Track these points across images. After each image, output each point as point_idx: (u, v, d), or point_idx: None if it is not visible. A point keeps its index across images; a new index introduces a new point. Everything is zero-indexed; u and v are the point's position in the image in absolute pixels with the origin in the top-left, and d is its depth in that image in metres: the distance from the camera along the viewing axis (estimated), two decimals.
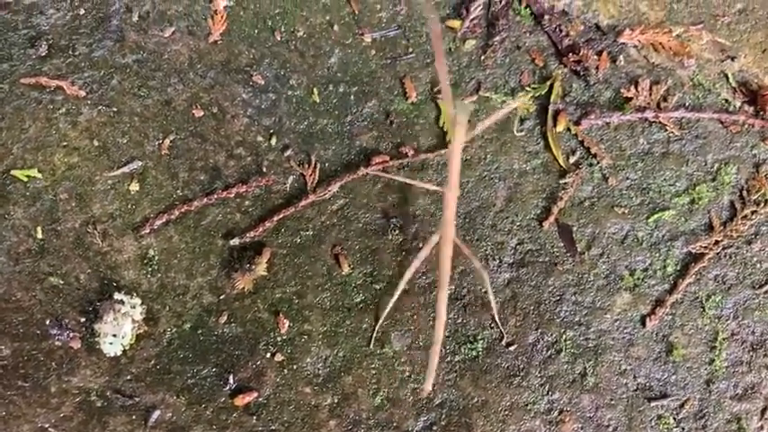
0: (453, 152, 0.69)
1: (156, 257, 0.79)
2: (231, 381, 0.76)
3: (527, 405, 0.77)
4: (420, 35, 0.88)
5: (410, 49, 0.88)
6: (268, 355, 0.77)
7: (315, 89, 0.86)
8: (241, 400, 0.75)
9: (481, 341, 0.78)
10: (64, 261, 0.78)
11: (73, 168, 0.81)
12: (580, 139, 0.84)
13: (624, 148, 0.85)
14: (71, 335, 0.76)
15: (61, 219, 0.80)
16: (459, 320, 0.78)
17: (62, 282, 0.78)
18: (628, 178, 0.84)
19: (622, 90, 0.86)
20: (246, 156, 0.83)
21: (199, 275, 0.79)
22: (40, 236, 0.79)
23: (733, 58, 0.88)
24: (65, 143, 0.82)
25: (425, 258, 0.73)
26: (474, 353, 0.78)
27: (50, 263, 0.78)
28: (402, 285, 0.74)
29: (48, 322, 0.76)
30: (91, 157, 0.82)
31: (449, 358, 0.78)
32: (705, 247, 0.81)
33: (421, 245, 0.80)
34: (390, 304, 0.75)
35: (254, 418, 0.76)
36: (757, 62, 0.88)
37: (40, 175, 0.81)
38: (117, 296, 0.76)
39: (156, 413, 0.76)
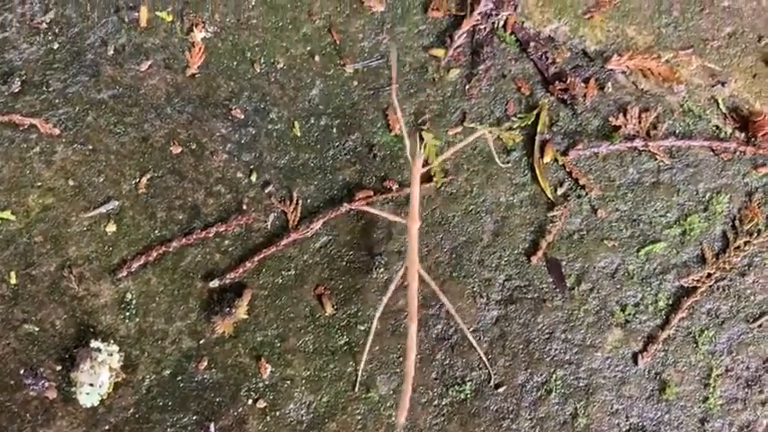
0: (413, 183, 0.73)
1: (134, 301, 0.76)
2: (212, 429, 0.73)
3: None
4: (403, 64, 0.86)
5: (392, 81, 0.85)
6: (250, 401, 0.74)
7: (296, 123, 0.83)
8: None
9: (469, 383, 0.75)
10: (39, 307, 0.76)
11: (48, 209, 0.78)
12: (568, 169, 0.82)
13: (613, 178, 0.82)
14: (47, 384, 0.73)
15: (36, 263, 0.77)
16: (447, 361, 0.76)
17: (37, 329, 0.75)
18: (617, 210, 0.81)
19: (611, 118, 0.83)
20: (226, 193, 0.80)
21: (178, 319, 0.76)
22: (13, 281, 0.76)
23: (723, 84, 0.85)
24: (39, 183, 0.79)
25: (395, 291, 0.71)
26: (462, 395, 0.75)
27: (25, 309, 0.75)
28: (375, 323, 0.72)
29: (22, 371, 0.74)
30: (66, 198, 0.79)
31: (436, 402, 0.75)
32: (697, 281, 0.79)
33: (405, 282, 0.78)
34: (368, 345, 0.72)
35: None
36: (748, 87, 0.86)
37: (13, 218, 0.78)
38: (94, 344, 0.73)
39: None
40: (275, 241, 0.78)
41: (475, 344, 0.74)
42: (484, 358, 0.75)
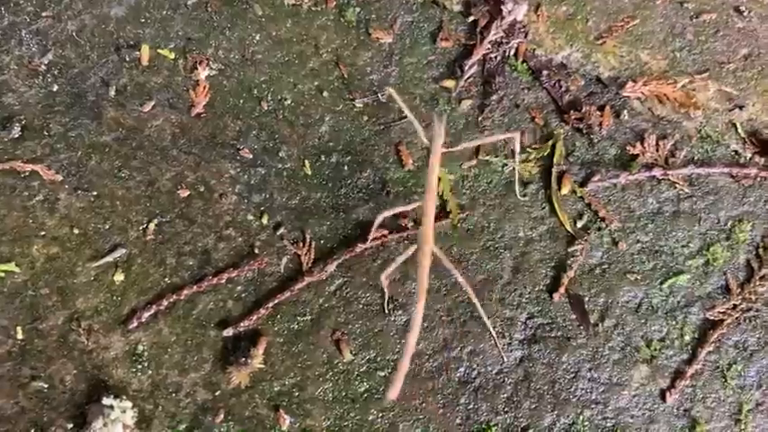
0: (432, 164, 0.68)
1: (146, 353, 0.73)
2: None
3: None
4: (414, 97, 0.82)
5: (404, 113, 0.82)
6: None
7: (306, 161, 0.80)
8: None
9: (494, 427, 0.72)
10: (47, 363, 0.72)
11: (53, 260, 0.75)
12: (587, 201, 0.79)
13: (633, 208, 0.79)
14: None
15: (43, 316, 0.73)
16: (471, 406, 0.73)
17: (46, 386, 0.72)
18: (638, 241, 0.78)
19: (628, 147, 0.80)
20: (237, 237, 0.77)
21: (192, 370, 0.73)
22: (20, 336, 0.73)
23: (741, 107, 0.83)
24: (43, 233, 0.76)
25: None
26: None
27: (33, 365, 0.72)
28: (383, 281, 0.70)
29: None
30: (72, 247, 0.75)
31: None
32: (723, 313, 0.76)
33: (426, 324, 0.75)
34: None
35: None
36: (766, 110, 0.83)
37: (18, 269, 0.74)
38: (106, 400, 0.70)
39: None
40: (289, 285, 0.75)
41: (488, 323, 0.71)
42: (494, 336, 0.72)
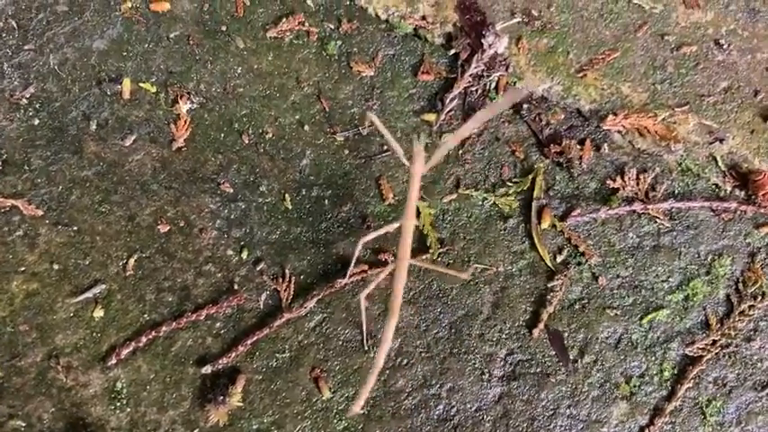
0: (411, 183, 0.68)
1: (125, 390, 0.72)
2: None
3: None
4: (395, 130, 0.82)
5: (385, 147, 0.81)
6: None
7: (287, 195, 0.79)
8: None
9: None
10: (26, 400, 0.71)
11: (32, 296, 0.74)
12: (567, 236, 0.78)
13: (613, 243, 0.78)
14: None
15: (21, 353, 0.72)
16: None
17: (24, 424, 0.71)
18: (618, 276, 0.77)
19: (608, 181, 0.80)
20: (216, 272, 0.76)
21: (171, 408, 0.72)
22: None
23: (721, 140, 0.82)
24: (23, 268, 0.75)
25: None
26: None
27: (11, 403, 0.71)
28: (362, 304, 0.69)
29: None
30: (51, 283, 0.75)
31: None
32: (703, 349, 0.75)
33: (405, 361, 0.74)
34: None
35: None
36: (746, 143, 0.82)
37: None
38: None
39: None
40: (268, 322, 0.74)
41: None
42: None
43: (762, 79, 0.84)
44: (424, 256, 0.77)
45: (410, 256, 0.67)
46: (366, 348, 0.73)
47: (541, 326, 0.75)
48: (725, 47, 0.84)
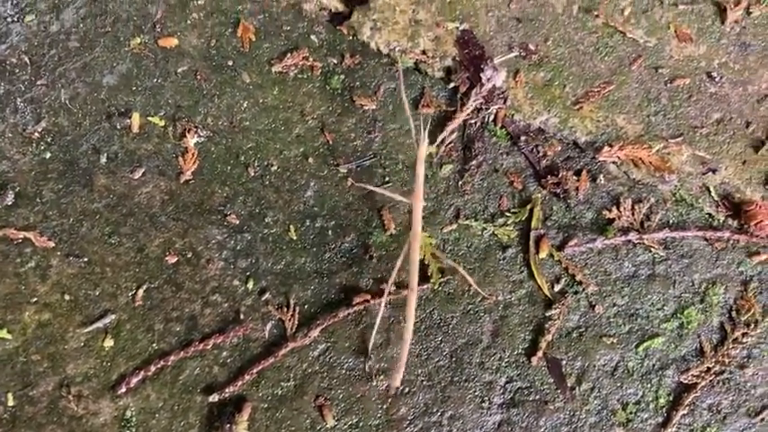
0: (417, 164, 0.74)
1: (134, 419, 0.73)
2: None
3: None
4: (396, 162, 0.83)
5: (387, 178, 0.83)
6: None
7: (291, 226, 0.80)
8: None
9: None
10: (38, 429, 0.72)
11: (44, 326, 0.75)
12: (564, 265, 0.79)
13: (609, 272, 0.79)
14: None
15: (34, 382, 0.73)
16: None
17: None
18: (615, 305, 0.78)
19: (604, 211, 0.81)
20: (223, 302, 0.77)
21: None
22: (11, 403, 0.73)
23: (714, 171, 0.83)
24: (35, 299, 0.76)
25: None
26: None
27: None
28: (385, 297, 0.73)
29: None
30: (63, 313, 0.76)
31: None
32: (697, 376, 0.76)
33: (407, 389, 0.75)
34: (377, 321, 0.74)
35: None
36: (738, 174, 0.83)
37: (9, 336, 0.75)
38: None
39: None
40: (273, 351, 0.75)
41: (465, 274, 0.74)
42: (474, 285, 0.76)
43: (753, 111, 0.85)
44: (424, 286, 0.78)
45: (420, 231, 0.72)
46: (368, 372, 0.74)
47: (540, 354, 0.76)
48: (717, 79, 0.86)
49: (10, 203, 0.79)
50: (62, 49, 0.85)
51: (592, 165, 0.83)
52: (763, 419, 0.75)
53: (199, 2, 0.87)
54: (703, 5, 0.88)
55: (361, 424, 0.73)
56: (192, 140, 0.81)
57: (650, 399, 0.75)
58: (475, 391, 0.75)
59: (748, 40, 0.87)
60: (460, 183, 0.82)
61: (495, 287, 0.78)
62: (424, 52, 0.85)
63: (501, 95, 0.84)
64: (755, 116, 0.84)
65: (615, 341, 0.76)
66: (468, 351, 0.76)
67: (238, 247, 0.78)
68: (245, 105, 0.84)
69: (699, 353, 0.77)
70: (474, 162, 0.83)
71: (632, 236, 0.79)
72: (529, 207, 0.81)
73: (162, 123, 0.82)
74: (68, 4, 0.87)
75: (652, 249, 0.79)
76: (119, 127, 0.82)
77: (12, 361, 0.74)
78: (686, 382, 0.75)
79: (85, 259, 0.77)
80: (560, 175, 0.81)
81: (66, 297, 0.76)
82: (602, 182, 0.82)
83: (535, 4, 0.88)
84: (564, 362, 0.76)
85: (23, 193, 0.79)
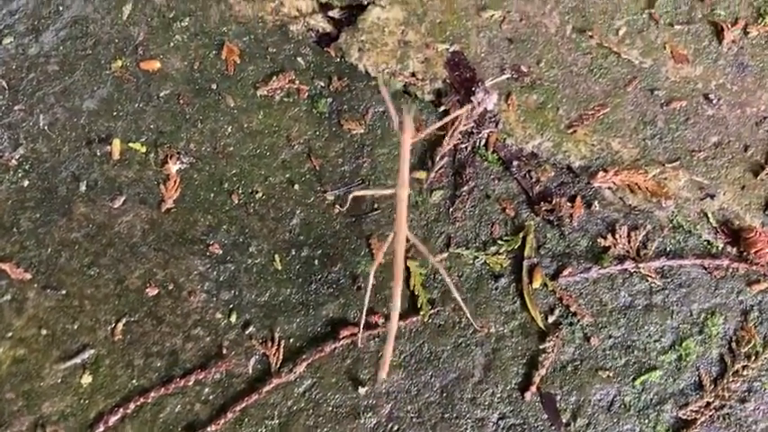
0: (402, 151, 0.69)
1: None
2: None
3: None
4: (387, 187, 0.80)
5: (375, 205, 0.80)
6: None
7: (276, 256, 0.77)
8: None
9: None
10: None
11: (19, 362, 0.72)
12: (558, 295, 0.76)
13: (605, 302, 0.77)
14: None
15: (7, 422, 0.70)
16: None
17: None
18: (611, 336, 0.76)
19: (599, 239, 0.78)
20: (205, 336, 0.74)
21: None
22: None
23: (712, 196, 0.80)
24: (10, 334, 0.73)
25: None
26: None
27: None
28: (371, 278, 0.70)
29: None
30: (39, 348, 0.73)
31: None
32: (696, 411, 0.73)
33: (396, 427, 0.72)
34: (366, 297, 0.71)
35: None
36: (737, 199, 0.81)
37: None
38: None
39: None
40: (257, 387, 0.72)
41: (457, 295, 0.71)
42: (466, 310, 0.73)
43: (751, 134, 0.82)
44: (414, 318, 0.75)
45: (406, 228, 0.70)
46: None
47: (534, 389, 0.73)
48: (714, 101, 0.83)
49: None
50: (41, 72, 0.82)
51: (586, 190, 0.80)
52: None
53: (182, 23, 0.85)
54: (700, 25, 0.86)
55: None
56: (174, 167, 0.79)
57: None
58: (466, 429, 0.72)
59: (746, 60, 0.84)
60: (451, 209, 0.79)
61: (487, 318, 0.75)
62: (413, 74, 0.83)
63: (492, 119, 0.81)
64: (754, 139, 0.82)
65: (611, 375, 0.74)
66: (460, 386, 0.73)
67: (221, 279, 0.76)
68: (229, 130, 0.81)
69: (698, 386, 0.74)
70: (465, 188, 0.80)
71: (628, 264, 0.77)
72: (522, 235, 0.78)
73: (143, 149, 0.80)
74: (48, 25, 0.84)
75: (649, 278, 0.77)
76: (99, 153, 0.79)
77: None
78: (685, 417, 0.73)
79: (63, 292, 0.75)
80: (554, 202, 0.78)
81: (43, 331, 0.73)
82: (597, 208, 0.79)
83: (527, 24, 0.85)
84: (558, 397, 0.73)
85: (0, 222, 0.76)
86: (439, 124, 0.76)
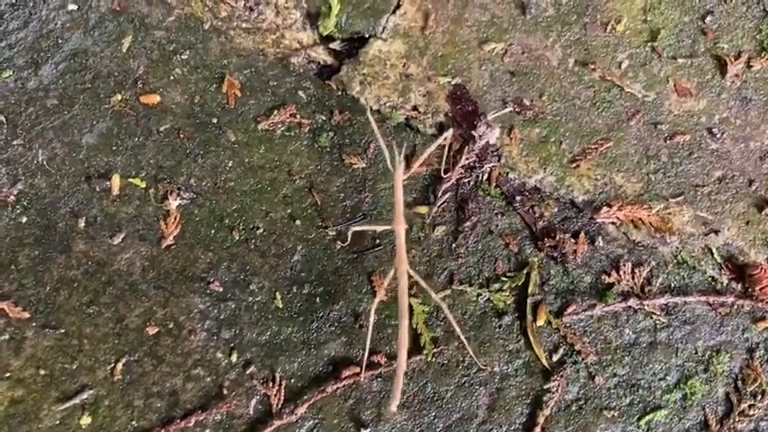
0: (395, 189, 0.73)
1: None
2: None
3: None
4: (388, 223, 0.79)
5: (378, 241, 0.79)
6: None
7: (277, 293, 0.76)
8: None
9: None
10: None
11: (17, 403, 0.71)
12: (562, 333, 0.75)
13: (609, 340, 0.76)
14: None
15: None
16: None
17: None
18: (615, 375, 0.74)
19: (603, 275, 0.77)
20: (206, 376, 0.73)
21: None
22: None
23: (716, 232, 0.79)
24: (8, 374, 0.72)
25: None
26: None
27: None
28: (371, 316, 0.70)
29: None
30: (37, 389, 0.71)
31: None
32: None
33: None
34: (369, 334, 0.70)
35: None
36: (741, 234, 0.80)
37: None
38: None
39: None
40: (258, 428, 0.71)
41: (460, 332, 0.71)
42: (469, 349, 0.72)
43: (755, 168, 0.81)
44: (417, 357, 0.74)
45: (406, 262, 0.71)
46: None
47: (538, 429, 0.72)
48: (718, 135, 0.82)
49: None
50: (40, 106, 0.81)
51: (590, 226, 0.79)
52: None
53: (182, 56, 0.84)
54: (703, 59, 0.85)
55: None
56: (174, 203, 0.78)
57: None
58: None
59: (749, 94, 0.83)
60: (454, 245, 0.78)
61: (491, 357, 0.74)
62: (415, 108, 0.82)
63: (495, 153, 0.81)
64: (758, 174, 0.81)
65: (616, 414, 0.73)
66: (463, 427, 0.72)
67: (222, 317, 0.74)
68: (229, 165, 0.80)
69: (704, 426, 0.73)
70: (468, 223, 0.79)
71: (632, 301, 0.76)
72: (525, 271, 0.77)
73: (143, 185, 0.79)
74: (47, 59, 0.83)
75: (653, 315, 0.76)
76: (98, 189, 0.78)
77: None
78: None
79: (62, 331, 0.73)
80: (557, 238, 0.77)
81: (42, 372, 0.72)
82: (601, 244, 0.78)
83: (530, 57, 0.85)
84: None
85: None
86: (428, 152, 0.76)
